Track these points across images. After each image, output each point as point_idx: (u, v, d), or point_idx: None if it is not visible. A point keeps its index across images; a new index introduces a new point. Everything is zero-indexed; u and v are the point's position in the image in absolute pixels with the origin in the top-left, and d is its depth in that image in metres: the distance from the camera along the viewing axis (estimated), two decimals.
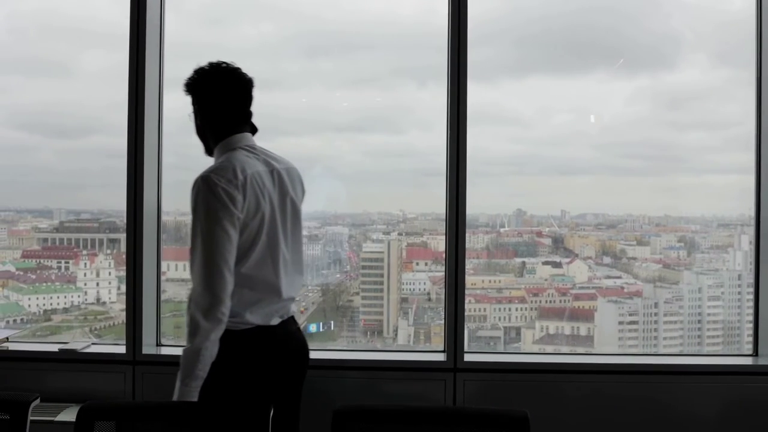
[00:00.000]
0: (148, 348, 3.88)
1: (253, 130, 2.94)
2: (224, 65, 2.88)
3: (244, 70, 2.92)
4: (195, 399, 2.58)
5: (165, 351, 3.96)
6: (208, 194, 2.57)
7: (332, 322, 4.75)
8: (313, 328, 4.73)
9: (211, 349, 2.55)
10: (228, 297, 2.57)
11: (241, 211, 2.61)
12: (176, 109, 4.12)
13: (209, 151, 2.88)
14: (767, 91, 3.93)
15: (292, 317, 2.92)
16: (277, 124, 4.56)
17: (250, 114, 2.93)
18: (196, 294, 2.55)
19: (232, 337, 2.65)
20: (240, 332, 2.68)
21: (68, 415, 3.42)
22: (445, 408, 3.39)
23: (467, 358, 3.79)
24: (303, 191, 3.02)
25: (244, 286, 2.66)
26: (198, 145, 2.95)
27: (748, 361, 3.99)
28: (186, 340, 2.57)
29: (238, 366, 2.68)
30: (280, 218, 2.77)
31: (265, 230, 2.70)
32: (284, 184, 2.84)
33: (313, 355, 4.00)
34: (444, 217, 3.96)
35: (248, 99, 2.91)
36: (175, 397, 2.60)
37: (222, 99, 2.83)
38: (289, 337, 2.88)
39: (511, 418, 2.62)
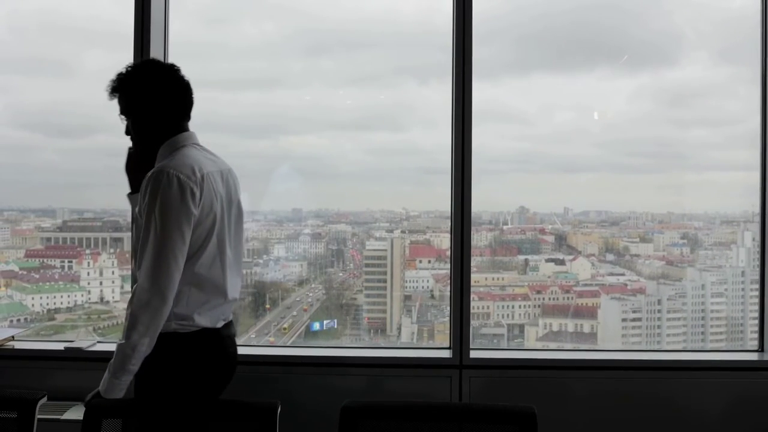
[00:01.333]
0: None
1: None
2: (160, 62, 2.86)
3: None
4: (121, 395, 2.56)
5: None
6: (167, 189, 2.52)
7: (336, 320, 4.76)
8: (316, 326, 4.73)
9: (148, 346, 2.52)
10: (172, 296, 2.54)
11: (197, 208, 2.58)
12: None
13: (148, 152, 2.78)
14: None
15: (231, 320, 2.90)
16: (280, 122, 4.58)
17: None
18: (142, 290, 2.51)
19: (181, 340, 2.64)
20: (189, 335, 2.65)
21: (74, 413, 3.42)
22: (453, 404, 3.39)
23: (473, 354, 3.80)
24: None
25: (193, 285, 2.64)
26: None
27: (753, 356, 3.99)
28: (123, 334, 2.52)
29: (188, 369, 2.65)
30: (227, 219, 2.75)
31: (216, 230, 2.68)
32: (230, 185, 2.82)
33: (318, 352, 4.05)
34: (447, 214, 3.96)
35: (191, 95, 2.84)
36: (102, 389, 2.57)
37: (169, 94, 2.75)
38: (231, 341, 2.88)
39: (519, 414, 2.63)
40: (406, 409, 2.75)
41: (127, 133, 2.81)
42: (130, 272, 3.91)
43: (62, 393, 3.48)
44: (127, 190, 2.96)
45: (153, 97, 2.72)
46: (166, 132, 2.74)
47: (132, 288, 2.68)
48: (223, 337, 2.78)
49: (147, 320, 2.50)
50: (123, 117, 2.78)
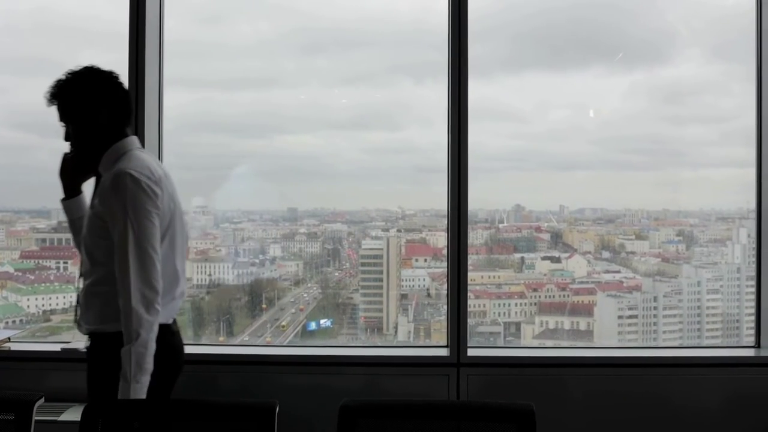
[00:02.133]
0: None
1: None
2: (100, 69, 2.84)
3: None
4: (145, 395, 2.58)
5: None
6: (136, 189, 2.58)
7: (332, 319, 4.75)
8: (313, 325, 4.73)
9: (154, 341, 2.58)
10: (161, 286, 2.61)
11: (159, 206, 2.65)
12: (175, 108, 4.14)
13: (89, 158, 2.84)
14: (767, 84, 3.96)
15: (175, 318, 2.95)
16: (275, 122, 4.57)
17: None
18: (135, 288, 2.55)
19: None
20: None
21: (72, 414, 3.42)
22: (452, 403, 3.39)
23: (470, 352, 3.80)
24: None
25: None
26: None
27: (750, 353, 4.01)
28: (128, 338, 2.54)
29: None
30: (176, 218, 2.80)
31: (170, 230, 2.74)
32: (173, 187, 2.87)
33: (316, 351, 4.04)
34: (442, 213, 3.98)
35: (131, 102, 2.89)
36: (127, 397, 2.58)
37: (108, 101, 2.79)
38: (179, 335, 2.97)
39: (518, 412, 2.63)
40: (405, 408, 2.74)
41: (67, 138, 2.83)
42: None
43: (59, 394, 3.48)
44: None
45: (93, 104, 2.75)
46: (108, 138, 2.78)
47: (77, 287, 2.82)
48: (174, 332, 2.89)
49: (149, 316, 2.55)
50: (62, 123, 2.81)
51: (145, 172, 2.63)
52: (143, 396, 2.57)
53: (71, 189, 3.00)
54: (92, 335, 2.81)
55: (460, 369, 3.76)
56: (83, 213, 2.90)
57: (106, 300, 2.65)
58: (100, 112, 2.76)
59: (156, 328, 2.58)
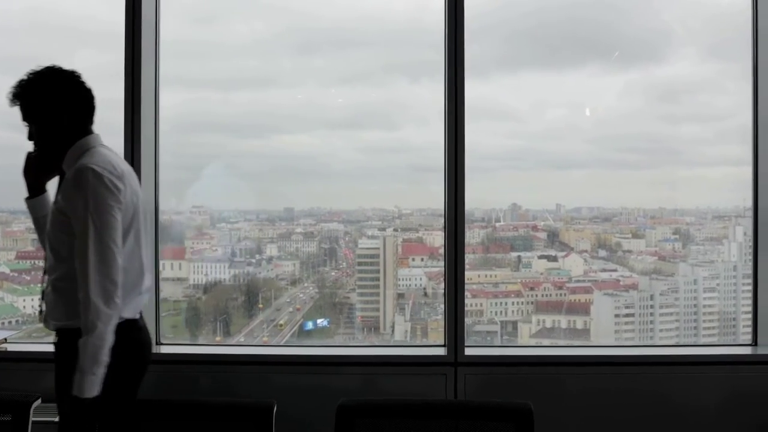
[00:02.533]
0: None
1: None
2: (62, 68, 2.85)
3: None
4: (99, 391, 2.57)
5: (165, 350, 3.96)
6: (97, 184, 2.61)
7: (329, 319, 4.75)
8: (309, 325, 4.73)
9: (112, 334, 2.58)
10: (121, 280, 2.63)
11: (122, 201, 2.68)
12: (171, 108, 4.13)
13: (52, 156, 2.86)
14: (764, 83, 3.96)
15: (141, 312, 2.97)
16: (272, 122, 4.57)
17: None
18: (94, 281, 2.57)
19: None
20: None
21: None
22: (450, 402, 3.40)
23: (468, 351, 3.80)
24: None
25: None
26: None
27: (747, 350, 4.02)
28: (86, 330, 2.55)
29: (113, 361, 2.64)
30: (141, 214, 2.86)
31: (134, 225, 2.78)
32: (137, 183, 2.91)
33: (313, 351, 4.04)
34: (439, 212, 3.98)
35: (93, 100, 2.89)
36: (81, 391, 2.56)
37: (71, 100, 2.81)
38: (146, 330, 2.99)
39: (516, 411, 2.64)
40: (402, 407, 2.75)
41: (30, 138, 2.85)
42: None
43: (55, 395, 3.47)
44: None
45: (55, 104, 2.77)
46: (71, 136, 2.80)
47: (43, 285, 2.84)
48: (140, 327, 2.91)
49: (107, 309, 2.56)
50: (25, 123, 2.83)
51: (107, 167, 2.66)
52: (98, 389, 2.56)
53: (35, 188, 3.02)
54: (59, 331, 2.82)
55: (458, 368, 3.75)
56: (47, 211, 2.91)
57: (71, 296, 2.65)
58: (63, 111, 2.78)
59: (114, 321, 2.59)
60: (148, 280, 2.93)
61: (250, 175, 4.67)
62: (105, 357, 2.56)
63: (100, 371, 2.56)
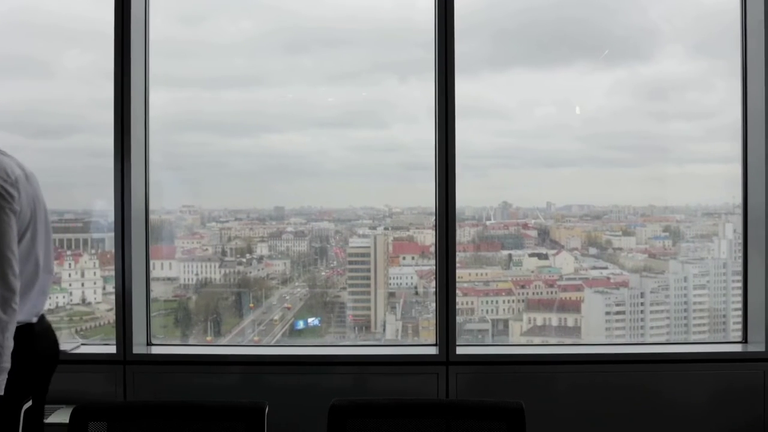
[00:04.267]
0: (138, 347, 3.86)
1: None
2: None
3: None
4: (2, 392, 2.55)
5: (156, 350, 3.95)
6: None
7: (320, 318, 4.74)
8: (300, 324, 4.72)
9: (11, 341, 2.55)
10: (19, 286, 2.59)
11: (17, 208, 2.64)
12: (161, 107, 4.11)
13: None
14: (753, 81, 3.97)
15: (44, 314, 2.94)
16: (261, 120, 4.56)
17: None
18: None
19: None
20: None
21: (59, 416, 3.40)
22: (441, 401, 3.39)
23: (459, 351, 3.80)
24: None
25: None
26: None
27: (737, 348, 4.03)
28: None
29: (13, 365, 2.62)
30: (37, 218, 2.81)
31: (30, 228, 2.75)
32: (35, 185, 2.86)
33: (304, 351, 4.04)
34: (429, 210, 3.98)
35: None
36: None
37: None
38: (46, 332, 2.95)
39: (507, 410, 2.63)
40: (395, 407, 2.74)
41: None
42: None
43: (47, 396, 3.45)
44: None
45: None
46: None
47: None
48: (36, 332, 2.83)
49: (5, 316, 2.52)
50: None
51: (1, 174, 2.62)
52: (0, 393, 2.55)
53: None
54: None
55: (449, 367, 3.76)
56: None
57: None
58: None
59: (12, 327, 2.55)
60: (43, 282, 2.86)
61: (241, 174, 4.65)
62: (6, 363, 2.53)
63: (2, 377, 2.54)
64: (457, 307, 3.91)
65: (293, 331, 4.69)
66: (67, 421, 2.80)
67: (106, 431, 2.83)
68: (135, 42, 3.81)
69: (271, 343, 4.60)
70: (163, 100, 4.15)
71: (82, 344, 3.94)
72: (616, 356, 3.92)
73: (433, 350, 3.86)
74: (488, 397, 2.79)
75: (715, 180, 4.48)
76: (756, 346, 3.94)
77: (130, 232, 3.83)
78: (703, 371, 3.81)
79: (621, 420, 3.78)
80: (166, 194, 4.41)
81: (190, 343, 4.47)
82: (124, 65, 3.79)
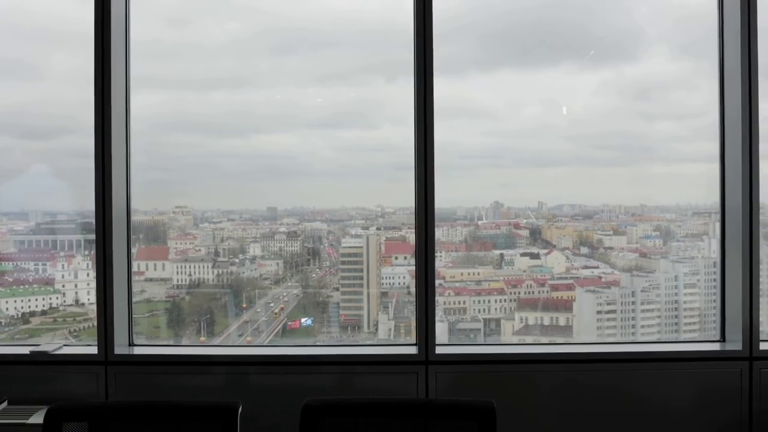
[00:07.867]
0: (120, 348, 3.88)
1: None
2: None
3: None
4: None
5: (138, 351, 3.97)
6: None
7: (312, 318, 4.76)
8: (293, 324, 4.73)
9: None
10: None
11: None
12: (147, 108, 4.13)
13: None
14: (729, 84, 3.97)
15: None
16: (250, 121, 4.58)
17: None
18: None
19: None
20: None
21: (40, 417, 3.39)
22: (412, 400, 3.39)
23: (438, 350, 3.81)
24: None
25: None
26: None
27: (715, 347, 4.02)
28: None
29: None
30: None
31: None
32: None
33: (286, 351, 4.05)
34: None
35: None
36: None
37: None
38: None
39: (479, 409, 2.64)
40: (367, 407, 2.75)
41: None
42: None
43: (28, 397, 3.48)
44: None
45: None
46: None
47: None
48: None
49: None
50: None
51: None
52: None
53: None
54: None
55: (429, 367, 3.77)
56: None
57: None
58: None
59: None
60: None
61: (232, 175, 4.67)
62: None
63: None
64: (449, 306, 3.93)
65: (286, 331, 4.70)
66: None
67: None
68: (115, 43, 3.82)
69: (254, 344, 4.62)
70: (149, 101, 4.18)
71: (65, 345, 3.96)
72: (593, 355, 3.93)
73: (413, 350, 3.87)
74: (466, 396, 2.79)
75: (702, 179, 4.45)
76: (733, 345, 3.93)
77: (111, 233, 3.83)
78: (682, 370, 3.81)
79: (600, 417, 3.79)
80: (158, 195, 4.43)
81: (173, 344, 4.49)
82: (104, 66, 3.80)
